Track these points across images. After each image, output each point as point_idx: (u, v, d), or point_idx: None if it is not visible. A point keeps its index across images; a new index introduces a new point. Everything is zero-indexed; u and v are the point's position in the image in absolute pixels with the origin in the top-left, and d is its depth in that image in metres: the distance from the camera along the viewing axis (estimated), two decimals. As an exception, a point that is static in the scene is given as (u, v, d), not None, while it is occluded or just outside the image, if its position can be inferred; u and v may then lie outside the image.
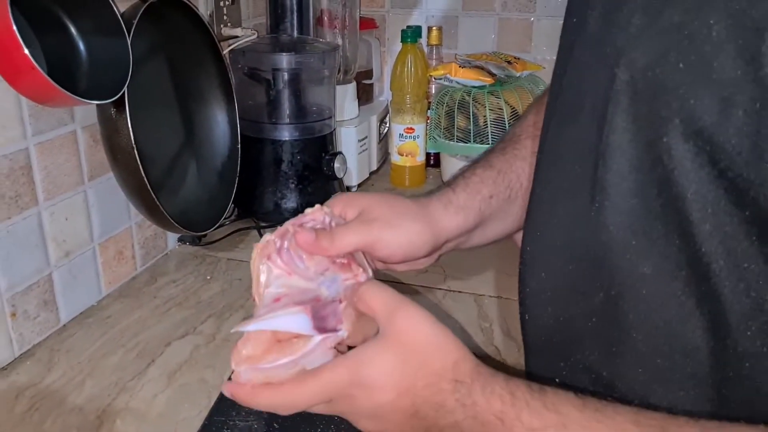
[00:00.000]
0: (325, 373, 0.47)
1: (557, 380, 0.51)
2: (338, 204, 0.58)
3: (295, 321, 0.52)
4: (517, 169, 0.64)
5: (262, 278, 0.54)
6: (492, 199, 0.62)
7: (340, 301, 0.52)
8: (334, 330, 0.51)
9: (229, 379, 0.51)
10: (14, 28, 0.60)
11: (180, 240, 1.06)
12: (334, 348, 0.52)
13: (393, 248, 0.56)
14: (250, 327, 0.52)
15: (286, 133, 1.12)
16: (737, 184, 0.37)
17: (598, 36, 0.45)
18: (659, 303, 0.42)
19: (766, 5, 0.34)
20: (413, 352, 0.46)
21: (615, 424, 0.40)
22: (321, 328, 0.51)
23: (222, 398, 0.70)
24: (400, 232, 0.56)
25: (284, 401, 0.48)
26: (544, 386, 0.44)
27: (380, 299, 0.49)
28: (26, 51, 0.61)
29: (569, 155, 0.49)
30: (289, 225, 0.56)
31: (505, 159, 0.64)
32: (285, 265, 0.54)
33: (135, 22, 0.74)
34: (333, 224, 0.56)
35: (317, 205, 0.58)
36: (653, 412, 0.40)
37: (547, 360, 0.54)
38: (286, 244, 0.54)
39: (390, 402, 0.46)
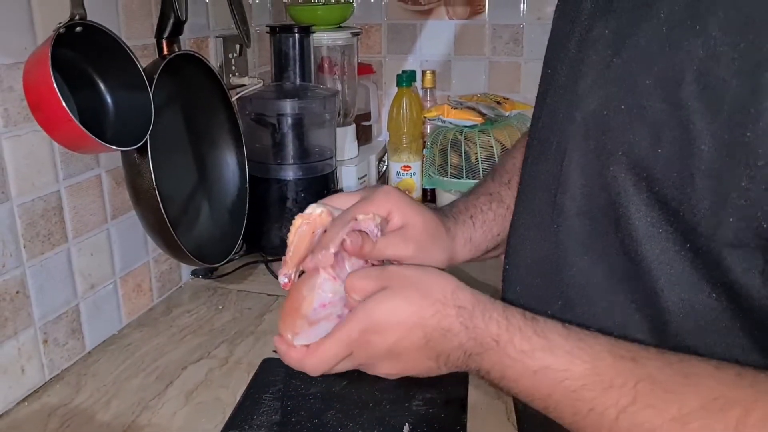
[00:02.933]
0: (340, 329, 0.55)
1: None
2: (386, 203, 0.62)
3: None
4: None
5: (318, 283, 0.58)
6: (499, 236, 0.71)
7: None
8: None
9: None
10: (54, 85, 0.69)
11: (193, 273, 1.14)
12: None
13: (418, 263, 0.62)
14: (301, 341, 0.58)
15: (290, 173, 1.20)
16: (669, 204, 0.44)
17: (564, 84, 0.54)
18: (607, 309, 0.50)
19: (680, 58, 0.42)
20: (413, 288, 0.53)
21: (593, 352, 0.47)
22: None
23: (236, 413, 0.77)
24: (428, 259, 0.63)
25: (311, 362, 0.55)
26: (537, 315, 0.51)
27: (372, 272, 0.57)
28: (64, 105, 0.69)
29: (538, 185, 0.58)
30: (343, 232, 0.58)
31: (511, 194, 0.71)
32: (333, 272, 0.58)
33: (156, 77, 0.83)
34: (379, 233, 0.60)
35: (371, 214, 0.60)
36: (627, 342, 0.47)
37: None
38: (342, 254, 0.58)
39: (403, 338, 0.52)
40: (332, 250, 0.57)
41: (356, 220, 0.59)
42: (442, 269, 0.62)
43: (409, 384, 0.81)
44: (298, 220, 0.60)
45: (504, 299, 0.63)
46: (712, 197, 0.41)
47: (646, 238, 0.46)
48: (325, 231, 0.60)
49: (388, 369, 0.56)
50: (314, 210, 0.60)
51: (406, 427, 0.74)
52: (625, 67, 0.47)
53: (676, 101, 0.42)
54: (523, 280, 0.59)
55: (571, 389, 0.46)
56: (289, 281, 0.61)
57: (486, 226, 0.70)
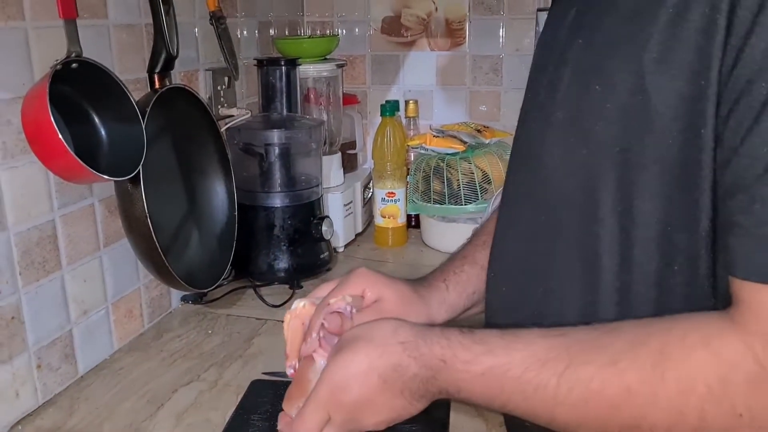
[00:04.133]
0: (311, 396, 0.59)
1: None
2: (359, 282, 0.70)
3: None
4: None
5: (316, 367, 0.66)
6: (474, 294, 0.76)
7: None
8: None
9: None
10: (51, 119, 0.73)
11: (183, 299, 1.17)
12: None
13: None
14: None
15: (277, 201, 1.24)
16: (635, 179, 0.51)
17: (543, 101, 0.61)
18: (583, 288, 0.56)
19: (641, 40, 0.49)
20: (358, 339, 0.59)
21: (527, 340, 0.52)
22: None
23: (225, 433, 0.80)
24: None
25: (298, 430, 0.59)
26: (473, 327, 0.56)
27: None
28: (61, 138, 0.73)
29: (519, 191, 0.65)
30: (320, 318, 0.67)
31: (485, 254, 0.76)
32: (325, 351, 0.65)
33: (148, 110, 0.87)
34: (353, 311, 0.68)
35: (339, 296, 0.68)
36: (559, 327, 0.53)
37: None
38: (323, 333, 0.66)
39: (363, 385, 0.57)
40: (314, 335, 0.65)
41: (329, 304, 0.66)
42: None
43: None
44: (287, 317, 0.69)
45: (489, 301, 0.69)
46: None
47: (611, 215, 0.52)
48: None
49: (370, 420, 0.59)
50: (298, 304, 0.69)
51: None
52: (595, 54, 0.54)
53: (637, 78, 0.49)
54: (508, 280, 0.65)
55: (516, 376, 0.51)
56: (295, 370, 0.68)
57: (460, 286, 0.75)
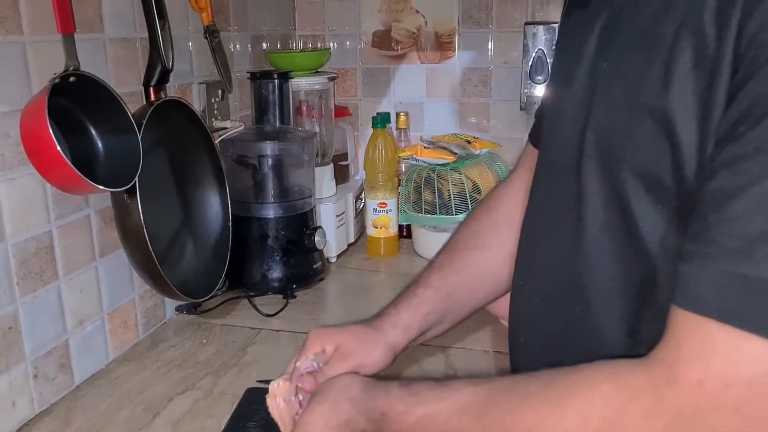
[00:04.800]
0: None
1: None
2: (316, 341, 0.76)
3: None
4: (450, 284, 0.80)
5: None
6: (429, 315, 0.78)
7: None
8: None
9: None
10: (50, 132, 0.74)
11: (177, 309, 1.18)
12: None
13: (369, 370, 0.75)
14: None
15: (271, 212, 1.26)
16: (667, 200, 0.50)
17: (574, 116, 0.61)
18: (624, 308, 0.55)
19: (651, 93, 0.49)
20: (314, 399, 0.66)
21: (456, 388, 0.55)
22: None
23: (221, 440, 0.81)
24: (370, 360, 0.75)
25: None
26: (412, 380, 0.60)
27: None
28: (59, 150, 0.74)
29: (549, 203, 0.64)
30: (294, 384, 0.73)
31: (441, 276, 0.80)
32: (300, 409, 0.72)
33: (144, 122, 0.88)
34: (320, 365, 0.74)
35: (304, 357, 0.75)
36: (488, 377, 0.56)
37: (538, 367, 0.67)
38: (301, 396, 0.73)
39: (320, 424, 0.63)
40: (294, 399, 0.72)
41: (296, 367, 0.74)
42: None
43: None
44: (268, 401, 0.74)
45: (515, 316, 0.71)
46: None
47: (652, 236, 0.52)
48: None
49: None
50: (273, 385, 0.74)
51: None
52: (623, 92, 0.54)
53: (662, 116, 0.49)
54: (540, 290, 0.65)
55: (443, 422, 0.55)
56: None
57: (411, 308, 0.78)
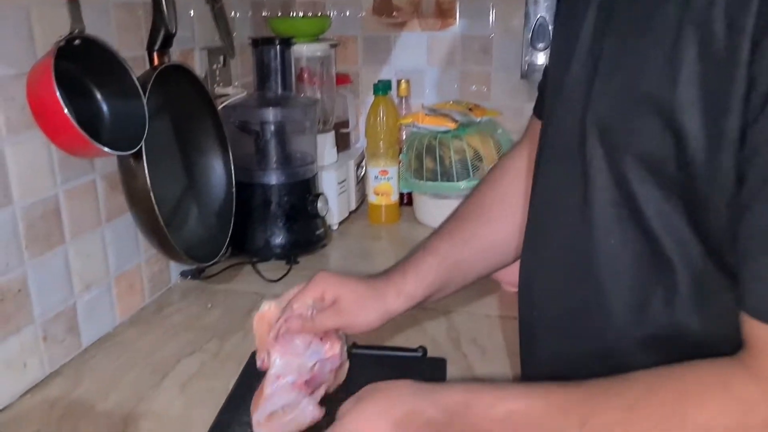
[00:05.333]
0: None
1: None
2: (319, 286, 0.77)
3: (291, 397, 0.74)
4: (457, 253, 0.81)
5: (270, 360, 0.75)
6: (434, 283, 0.79)
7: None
8: (318, 388, 0.75)
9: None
10: (57, 94, 0.74)
11: (182, 275, 1.19)
12: (320, 402, 0.73)
13: (356, 329, 0.77)
14: (263, 414, 0.73)
15: (273, 178, 1.26)
16: (670, 185, 0.52)
17: (573, 97, 0.61)
18: (631, 286, 0.57)
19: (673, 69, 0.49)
20: (373, 391, 0.63)
21: (546, 388, 0.54)
22: (310, 386, 0.73)
23: (230, 399, 0.82)
24: (362, 321, 0.76)
25: None
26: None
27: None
28: (67, 112, 0.74)
29: (557, 183, 0.65)
30: (282, 320, 0.75)
31: (451, 244, 0.81)
32: (281, 348, 0.75)
33: (149, 86, 0.88)
34: (314, 312, 0.76)
35: (302, 300, 0.76)
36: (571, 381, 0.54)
37: (550, 344, 0.68)
38: (282, 331, 0.75)
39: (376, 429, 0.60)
40: (272, 335, 0.74)
41: (292, 308, 0.75)
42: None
43: (390, 370, 0.86)
44: (255, 318, 0.77)
45: (527, 292, 0.71)
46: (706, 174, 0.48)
47: (656, 218, 0.53)
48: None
49: None
50: (263, 307, 0.77)
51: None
52: (623, 80, 0.54)
53: (665, 107, 0.49)
54: (552, 268, 0.66)
55: (537, 423, 0.53)
56: (263, 363, 0.76)
57: (419, 277, 0.78)
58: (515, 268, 0.76)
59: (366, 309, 0.76)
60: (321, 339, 0.76)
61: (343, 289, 0.77)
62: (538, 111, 0.83)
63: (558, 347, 0.67)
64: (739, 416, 0.46)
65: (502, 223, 0.81)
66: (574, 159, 0.60)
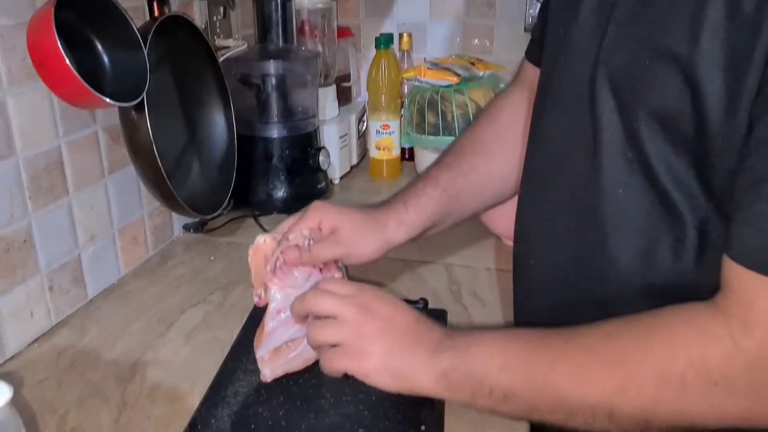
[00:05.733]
0: (335, 297, 0.65)
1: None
2: (315, 216, 0.76)
3: (293, 331, 0.73)
4: (458, 184, 0.81)
5: (269, 295, 0.74)
6: (435, 214, 0.80)
7: None
8: None
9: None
10: (58, 43, 0.74)
11: (184, 228, 1.20)
12: None
13: (356, 259, 0.76)
14: (266, 350, 0.73)
15: (275, 131, 1.26)
16: (682, 140, 0.53)
17: (581, 47, 0.61)
18: (638, 235, 0.58)
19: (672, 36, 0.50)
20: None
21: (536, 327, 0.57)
22: None
23: (234, 348, 0.84)
24: (362, 249, 0.76)
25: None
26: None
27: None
28: (68, 62, 0.74)
29: (563, 133, 0.65)
30: (278, 252, 0.74)
31: (450, 176, 0.81)
32: (280, 281, 0.74)
33: (149, 37, 0.88)
34: (311, 242, 0.74)
35: (297, 231, 0.75)
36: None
37: (547, 293, 0.69)
38: (279, 264, 0.74)
39: (400, 312, 0.63)
40: (269, 268, 0.73)
41: (288, 239, 0.73)
42: None
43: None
44: (251, 251, 0.75)
45: (525, 241, 0.72)
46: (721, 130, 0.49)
47: (666, 171, 0.55)
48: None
49: (378, 349, 0.62)
50: (260, 239, 0.75)
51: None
52: (641, 33, 0.54)
53: (685, 63, 0.50)
54: (555, 218, 0.67)
55: (526, 339, 0.59)
56: (260, 299, 0.75)
57: (420, 207, 0.79)
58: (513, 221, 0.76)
59: (366, 238, 0.76)
60: (320, 270, 0.75)
61: (341, 219, 0.76)
62: (531, 56, 0.82)
63: (556, 296, 0.68)
64: (701, 349, 0.49)
65: (501, 158, 0.82)
66: (581, 109, 0.60)
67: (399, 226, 0.78)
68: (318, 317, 0.66)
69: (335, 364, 0.63)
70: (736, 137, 0.48)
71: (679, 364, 0.49)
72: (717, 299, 0.50)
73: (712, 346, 0.49)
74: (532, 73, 0.83)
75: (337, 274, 0.75)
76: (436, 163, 0.84)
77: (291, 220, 0.77)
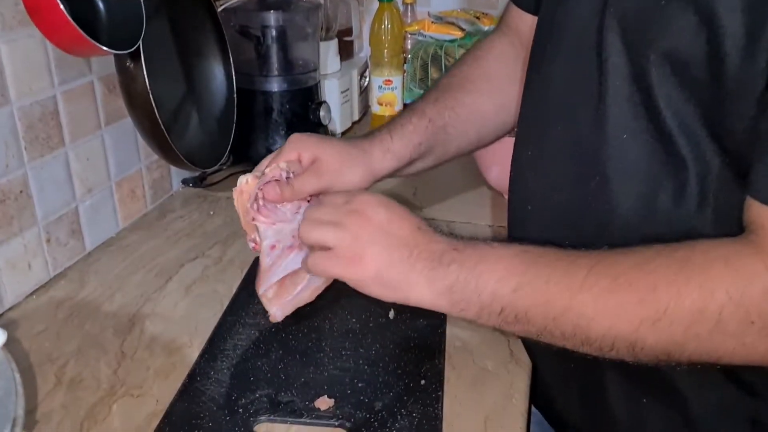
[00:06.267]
0: (330, 204, 0.64)
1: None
2: (293, 148, 0.72)
3: (293, 262, 0.70)
4: (445, 117, 0.79)
5: (259, 234, 0.72)
6: (421, 145, 0.78)
7: None
8: None
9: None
10: (52, -11, 0.71)
11: (183, 182, 1.18)
12: None
13: (340, 188, 0.72)
14: (266, 286, 0.71)
15: (275, 85, 1.23)
16: (693, 84, 0.51)
17: None
18: (640, 180, 0.57)
19: None
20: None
21: (558, 247, 0.57)
22: None
23: (233, 303, 0.83)
24: (346, 178, 0.72)
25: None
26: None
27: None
28: (63, 8, 0.72)
29: (566, 79, 0.63)
30: (256, 189, 0.71)
31: (436, 109, 0.79)
32: (266, 218, 0.71)
33: (146, -17, 0.85)
34: (291, 175, 0.71)
35: (273, 165, 0.72)
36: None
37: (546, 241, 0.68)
38: (261, 202, 0.71)
39: (399, 218, 0.61)
40: (249, 205, 0.70)
41: (264, 173, 0.69)
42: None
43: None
44: (234, 195, 0.72)
45: (522, 187, 0.71)
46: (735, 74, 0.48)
47: (673, 117, 0.53)
48: None
49: (376, 259, 0.59)
50: (241, 180, 0.72)
51: (392, 313, 0.80)
52: None
53: (703, 3, 0.48)
54: (554, 164, 0.66)
55: (546, 263, 0.55)
56: (255, 244, 0.73)
57: (405, 137, 0.77)
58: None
59: (350, 168, 0.72)
60: (308, 202, 0.72)
61: (322, 149, 0.72)
62: (522, 2, 0.81)
63: (553, 243, 0.67)
64: (741, 284, 0.48)
65: (487, 97, 0.81)
66: (586, 55, 0.59)
67: (385, 154, 0.75)
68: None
69: (327, 267, 0.62)
70: (755, 81, 0.46)
71: (717, 301, 0.48)
72: (749, 237, 0.49)
73: (751, 283, 0.47)
74: (519, 19, 0.81)
75: None
76: (422, 98, 0.82)
77: (270, 156, 0.74)
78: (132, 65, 0.86)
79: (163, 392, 0.69)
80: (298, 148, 0.72)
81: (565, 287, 0.53)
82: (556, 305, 0.53)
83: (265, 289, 0.73)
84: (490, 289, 0.56)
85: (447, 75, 0.84)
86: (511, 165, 0.74)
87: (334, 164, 0.72)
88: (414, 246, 0.59)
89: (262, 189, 0.70)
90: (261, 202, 0.70)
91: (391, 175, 0.78)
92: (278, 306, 0.72)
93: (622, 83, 0.56)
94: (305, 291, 0.72)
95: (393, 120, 0.80)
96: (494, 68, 0.82)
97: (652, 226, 0.57)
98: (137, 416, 0.66)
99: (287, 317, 0.75)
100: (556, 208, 0.66)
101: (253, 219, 0.71)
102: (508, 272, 0.56)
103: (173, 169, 1.15)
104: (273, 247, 0.71)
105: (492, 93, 0.80)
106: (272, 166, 0.71)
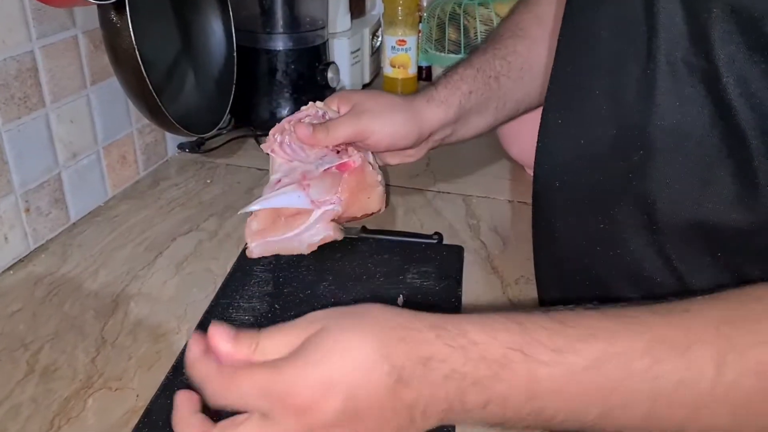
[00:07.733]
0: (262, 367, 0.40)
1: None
2: (333, 100, 0.66)
3: (293, 197, 0.59)
4: (496, 67, 0.70)
5: (271, 166, 0.62)
6: (471, 94, 0.68)
7: (337, 169, 0.59)
8: (330, 203, 0.57)
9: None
10: (18, -74, 0.62)
11: (179, 147, 1.10)
12: (333, 221, 0.58)
13: (380, 136, 0.63)
14: (253, 207, 0.59)
15: (280, 43, 1.14)
16: (763, 46, 0.43)
17: None
18: (693, 156, 0.48)
19: None
20: (357, 316, 0.40)
21: (644, 319, 0.38)
22: (318, 203, 0.58)
23: (227, 284, 0.76)
24: (387, 122, 0.64)
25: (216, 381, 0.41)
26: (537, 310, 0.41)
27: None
28: (31, -51, 0.63)
29: (609, 33, 0.54)
30: (285, 122, 0.63)
31: (485, 58, 0.71)
32: (286, 155, 0.61)
33: (132, -76, 0.76)
34: (327, 117, 0.63)
35: (311, 102, 0.65)
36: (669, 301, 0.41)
37: (573, 224, 0.59)
38: (287, 138, 0.61)
39: (362, 386, 0.37)
40: (273, 136, 0.63)
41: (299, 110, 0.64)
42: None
43: (403, 257, 0.80)
44: (269, 139, 0.64)
45: (549, 160, 0.60)
46: None
47: (735, 85, 0.45)
48: None
49: None
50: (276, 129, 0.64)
51: (400, 299, 0.73)
52: None
53: None
54: (588, 134, 0.56)
55: (643, 369, 0.36)
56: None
57: (451, 84, 0.68)
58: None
59: (392, 113, 0.64)
60: (338, 153, 0.63)
61: (363, 95, 0.66)
62: None
63: (584, 226, 0.58)
64: None
65: (542, 44, 0.72)
66: (634, 6, 0.50)
67: (429, 102, 0.67)
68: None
69: None
70: None
71: None
72: None
73: None
74: None
75: (357, 157, 0.61)
76: (470, 52, 0.74)
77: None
78: (116, 17, 0.77)
79: (144, 385, 0.62)
80: (339, 99, 0.66)
81: (689, 402, 0.37)
82: (587, 419, 0.38)
83: (252, 218, 0.61)
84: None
85: (498, 26, 0.76)
86: (539, 135, 0.64)
87: (374, 106, 0.64)
88: (393, 417, 0.38)
89: (292, 123, 0.62)
90: (287, 139, 0.62)
91: (448, 136, 0.70)
92: (259, 242, 0.60)
93: (677, 41, 0.48)
94: (296, 239, 0.59)
95: (436, 77, 0.72)
96: (547, 12, 0.72)
97: (706, 212, 0.49)
98: (114, 413, 0.59)
99: (286, 311, 0.68)
100: (589, 187, 0.57)
101: (273, 150, 0.63)
102: (583, 399, 0.38)
103: (168, 133, 1.06)
104: (279, 181, 0.62)
105: (546, 39, 0.71)
106: (309, 105, 0.65)
